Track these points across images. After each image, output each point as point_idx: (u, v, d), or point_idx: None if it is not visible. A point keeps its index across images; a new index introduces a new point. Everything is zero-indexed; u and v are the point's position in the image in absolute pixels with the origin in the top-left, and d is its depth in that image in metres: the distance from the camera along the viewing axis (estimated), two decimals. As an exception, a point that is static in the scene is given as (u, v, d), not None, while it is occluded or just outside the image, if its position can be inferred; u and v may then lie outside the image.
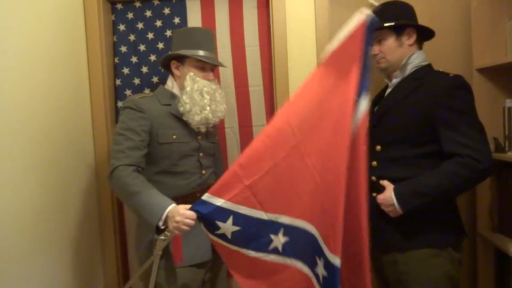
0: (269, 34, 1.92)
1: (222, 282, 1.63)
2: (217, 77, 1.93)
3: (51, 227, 1.49)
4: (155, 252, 1.32)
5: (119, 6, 1.97)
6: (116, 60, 1.98)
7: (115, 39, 1.98)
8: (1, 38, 1.26)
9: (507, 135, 1.60)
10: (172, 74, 1.57)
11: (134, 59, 1.97)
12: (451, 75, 1.35)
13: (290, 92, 1.89)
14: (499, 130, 1.63)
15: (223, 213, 1.27)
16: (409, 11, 1.48)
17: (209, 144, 1.58)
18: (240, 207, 1.27)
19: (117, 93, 1.97)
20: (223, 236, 1.30)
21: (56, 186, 1.54)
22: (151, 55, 1.96)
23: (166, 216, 1.26)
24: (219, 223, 1.27)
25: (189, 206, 1.27)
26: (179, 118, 1.47)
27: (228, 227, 1.27)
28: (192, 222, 1.24)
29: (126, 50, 1.97)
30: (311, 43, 1.87)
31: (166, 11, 1.95)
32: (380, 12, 1.39)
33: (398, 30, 1.42)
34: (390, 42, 1.43)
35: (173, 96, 1.52)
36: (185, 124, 1.48)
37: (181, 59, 1.51)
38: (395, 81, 1.47)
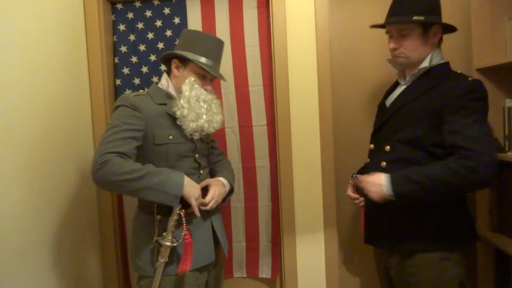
0: (269, 34, 1.92)
1: (222, 283, 1.62)
2: (217, 79, 1.94)
3: (51, 227, 1.49)
4: (159, 259, 1.31)
5: (119, 6, 1.97)
6: (116, 60, 1.98)
7: (115, 39, 1.98)
8: (1, 38, 1.26)
9: (507, 135, 1.59)
10: (168, 73, 1.51)
11: (134, 59, 1.97)
12: (469, 79, 1.28)
13: (290, 92, 1.89)
14: (499, 130, 1.63)
15: None
16: (438, 4, 1.36)
17: (203, 145, 1.54)
18: None
19: (117, 93, 1.97)
20: None
21: (56, 186, 1.54)
22: (151, 55, 1.96)
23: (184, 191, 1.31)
24: None
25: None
26: (175, 118, 1.42)
27: None
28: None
29: (126, 50, 1.97)
30: (311, 43, 1.87)
31: (166, 11, 1.95)
32: (408, 1, 1.28)
33: (426, 26, 1.31)
34: (415, 38, 1.31)
35: (168, 95, 1.47)
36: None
37: (184, 60, 1.46)
38: (409, 79, 1.39)
